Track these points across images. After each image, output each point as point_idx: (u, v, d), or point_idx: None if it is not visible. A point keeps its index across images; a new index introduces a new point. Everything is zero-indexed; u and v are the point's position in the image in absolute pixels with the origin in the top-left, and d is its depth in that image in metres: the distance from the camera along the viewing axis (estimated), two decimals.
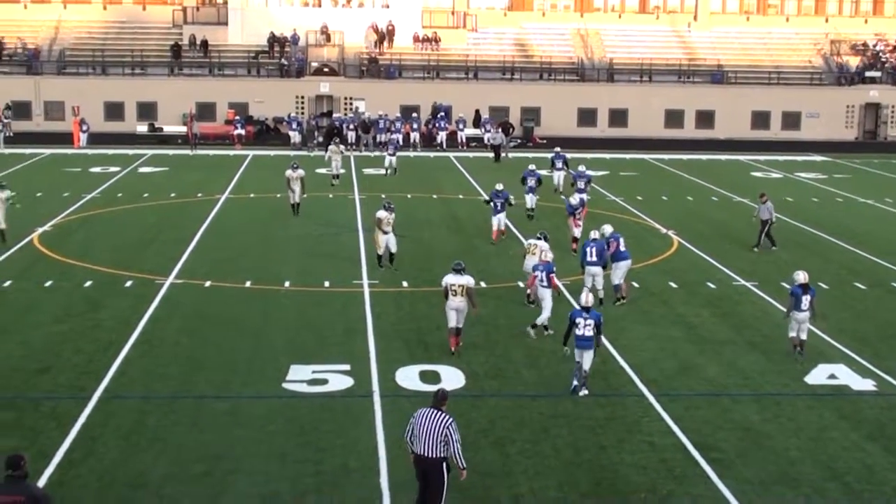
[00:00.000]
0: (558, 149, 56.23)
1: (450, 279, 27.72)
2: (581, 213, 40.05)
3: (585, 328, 24.54)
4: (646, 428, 22.78)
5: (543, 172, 48.09)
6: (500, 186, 41.68)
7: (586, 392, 24.70)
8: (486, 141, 73.95)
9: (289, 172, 46.84)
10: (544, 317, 29.25)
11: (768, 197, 41.57)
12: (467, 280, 27.72)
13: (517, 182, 47.46)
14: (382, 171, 61.08)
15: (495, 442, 21.77)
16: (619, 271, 32.75)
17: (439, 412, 17.52)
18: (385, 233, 36.16)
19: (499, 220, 41.34)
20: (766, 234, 41.10)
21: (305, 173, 47.67)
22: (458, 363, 26.64)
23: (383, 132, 73.71)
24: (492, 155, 70.25)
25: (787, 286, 30.39)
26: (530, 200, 46.45)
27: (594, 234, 32.97)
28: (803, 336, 27.80)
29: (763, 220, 41.07)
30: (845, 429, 23.05)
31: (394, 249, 36.45)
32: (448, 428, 17.34)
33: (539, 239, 32.31)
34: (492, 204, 41.51)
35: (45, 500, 14.37)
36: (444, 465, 17.46)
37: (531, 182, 46.42)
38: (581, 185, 47.02)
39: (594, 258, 32.11)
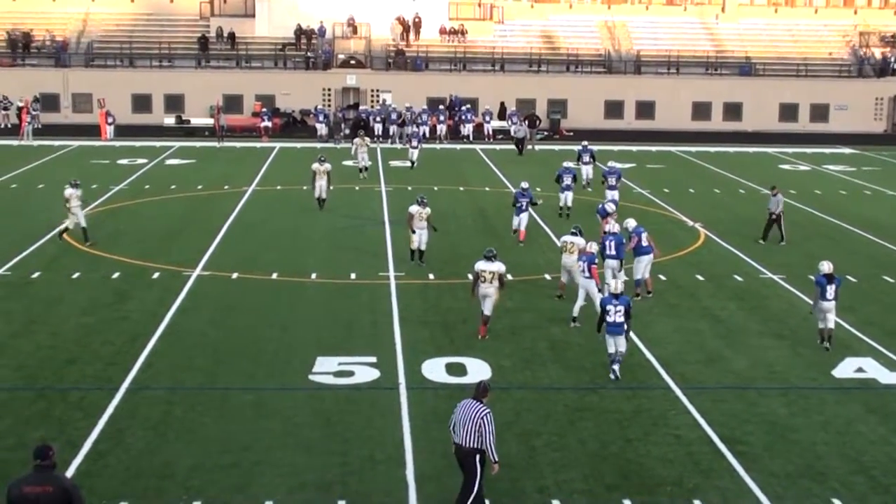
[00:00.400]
0: (585, 143, 54.94)
1: (481, 265, 28.09)
2: (613, 214, 39.19)
3: (616, 314, 25.08)
4: (672, 421, 22.75)
5: (570, 164, 47.48)
6: (525, 185, 40.84)
7: (616, 368, 25.24)
8: (512, 133, 73.54)
9: (315, 166, 46.44)
10: (597, 303, 28.83)
11: (779, 190, 41.38)
12: (498, 266, 28.05)
13: (548, 178, 47.34)
14: (408, 164, 60.94)
15: (521, 434, 21.78)
16: (641, 265, 32.61)
17: (478, 403, 17.67)
18: (419, 228, 35.78)
19: (519, 220, 40.26)
20: (769, 226, 40.89)
21: (332, 167, 47.54)
22: (485, 356, 26.64)
23: (410, 124, 73.76)
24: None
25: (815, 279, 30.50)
26: (566, 198, 45.29)
27: (614, 228, 33.04)
28: (830, 325, 27.87)
29: (770, 211, 40.92)
30: (873, 422, 22.97)
31: (423, 247, 36.01)
32: (482, 419, 17.45)
33: (574, 235, 31.93)
34: (516, 203, 40.36)
35: (74, 491, 14.44)
36: (478, 456, 17.53)
37: (567, 180, 45.27)
38: (612, 181, 45.92)
39: (612, 251, 31.98)
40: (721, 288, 34.18)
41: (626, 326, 25.31)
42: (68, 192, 38.74)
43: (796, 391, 24.81)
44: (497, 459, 17.75)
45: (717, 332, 29.38)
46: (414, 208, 35.82)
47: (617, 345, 25.26)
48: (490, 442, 17.50)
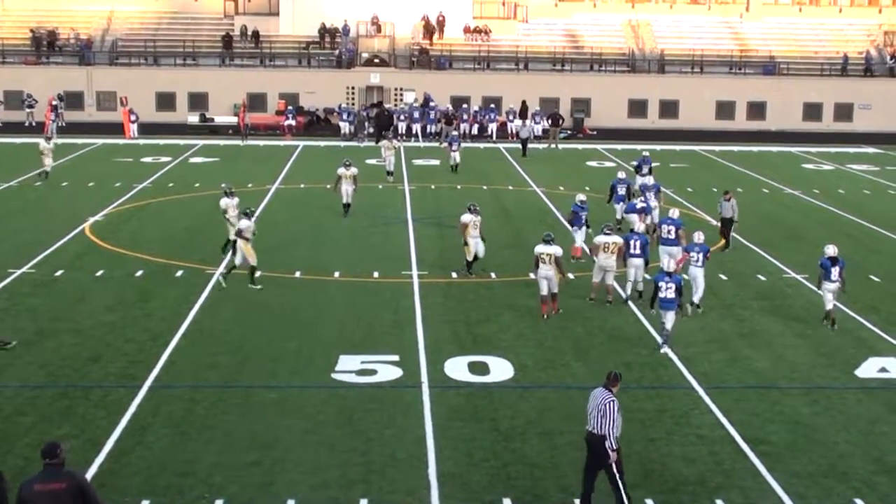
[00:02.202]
0: (646, 153, 49.75)
1: (540, 248, 29.97)
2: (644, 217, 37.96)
3: (667, 291, 27.08)
4: (695, 421, 22.73)
5: (623, 175, 45.66)
6: (582, 198, 38.20)
7: (667, 350, 27.02)
8: (516, 132, 72.12)
9: (341, 170, 44.77)
10: (700, 294, 31.12)
11: (732, 195, 39.94)
12: (555, 249, 29.90)
13: (571, 177, 47.07)
14: (435, 163, 60.50)
15: (543, 433, 21.78)
16: (666, 258, 32.39)
17: (606, 391, 18.18)
18: (473, 237, 34.24)
19: (583, 236, 37.15)
20: (725, 231, 39.45)
21: (358, 171, 46.24)
22: (508, 354, 26.67)
23: (433, 123, 73.78)
24: (542, 146, 69.52)
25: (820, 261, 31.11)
26: (620, 210, 41.95)
27: (639, 227, 33.15)
28: (833, 305, 29.92)
29: (726, 217, 39.18)
30: None
31: (481, 254, 34.63)
32: (606, 405, 17.91)
33: (609, 234, 31.64)
34: (576, 217, 37.17)
35: (88, 486, 14.51)
36: (608, 442, 17.94)
37: (621, 191, 42.63)
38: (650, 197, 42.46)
39: (637, 250, 31.98)
40: (744, 287, 34.11)
41: (677, 303, 27.33)
42: (224, 202, 37.39)
43: (819, 391, 24.75)
44: (616, 447, 17.98)
45: (740, 332, 29.34)
46: (467, 217, 34.38)
47: (667, 320, 27.17)
48: (610, 429, 17.87)
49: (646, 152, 50.00)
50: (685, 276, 30.37)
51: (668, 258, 29.17)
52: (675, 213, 34.51)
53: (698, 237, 31.45)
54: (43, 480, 14.29)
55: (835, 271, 29.61)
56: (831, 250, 29.91)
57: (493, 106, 77.05)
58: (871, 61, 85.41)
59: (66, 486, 14.26)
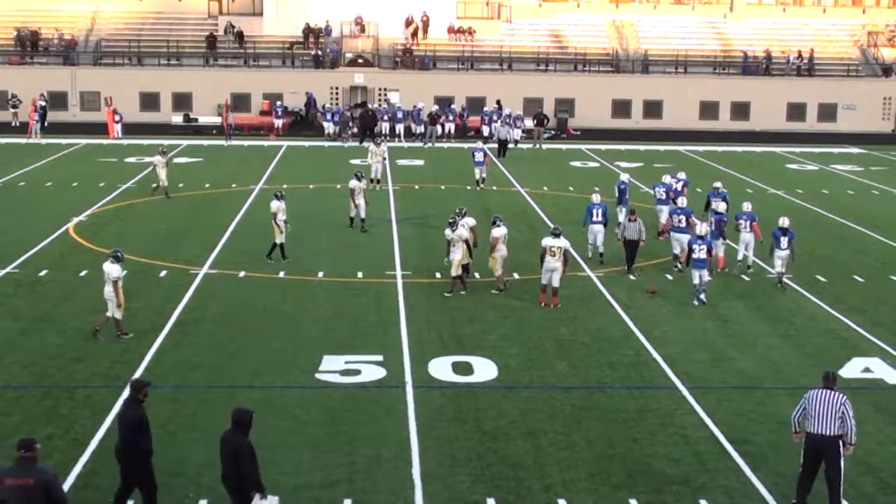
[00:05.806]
0: (718, 184, 41.79)
1: (548, 241, 31.30)
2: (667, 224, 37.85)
3: (700, 252, 31.52)
4: (679, 421, 22.75)
5: (624, 178, 44.22)
6: (704, 229, 33.20)
7: (703, 296, 31.67)
8: (493, 133, 71.28)
9: (354, 182, 41.91)
10: (751, 256, 36.15)
11: (637, 216, 36.97)
12: (563, 243, 31.27)
13: (555, 177, 47.00)
14: (420, 163, 60.27)
15: (527, 433, 21.79)
16: (678, 244, 35.99)
17: (833, 392, 18.55)
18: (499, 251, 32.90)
19: (720, 247, 35.74)
20: (632, 257, 36.52)
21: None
22: (492, 355, 26.68)
23: (420, 123, 73.68)
24: (526, 146, 69.46)
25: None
26: (664, 216, 40.16)
27: (596, 199, 37.25)
28: (781, 270, 33.96)
29: (630, 239, 36.22)
30: (880, 423, 22.99)
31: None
32: (844, 406, 18.40)
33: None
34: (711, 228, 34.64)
35: (54, 482, 14.67)
36: (841, 442, 18.35)
37: (659, 193, 41.29)
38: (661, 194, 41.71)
39: (599, 218, 36.62)
40: (728, 287, 34.15)
41: (707, 261, 31.64)
42: (274, 205, 36.43)
43: (803, 391, 24.59)
44: (853, 443, 18.55)
45: (724, 332, 29.39)
46: (499, 231, 32.91)
47: (701, 276, 31.53)
48: (852, 427, 18.38)
49: (718, 183, 42.36)
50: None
51: (701, 224, 33.23)
52: (683, 202, 37.38)
53: (747, 207, 36.66)
54: (15, 474, 14.44)
55: (784, 241, 33.59)
56: (783, 221, 34.05)
57: (486, 108, 76.60)
58: (855, 62, 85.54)
59: (35, 483, 14.38)
